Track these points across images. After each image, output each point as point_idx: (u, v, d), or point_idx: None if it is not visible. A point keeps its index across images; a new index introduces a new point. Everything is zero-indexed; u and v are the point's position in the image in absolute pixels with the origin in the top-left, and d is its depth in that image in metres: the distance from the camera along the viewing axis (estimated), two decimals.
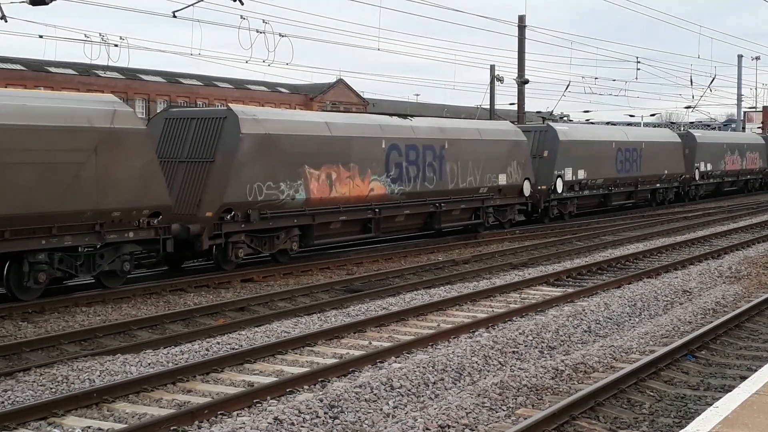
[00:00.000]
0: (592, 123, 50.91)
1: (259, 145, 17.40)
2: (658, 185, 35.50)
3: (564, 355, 10.41)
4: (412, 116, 23.30)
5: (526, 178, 25.58)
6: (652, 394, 9.01)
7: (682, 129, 50.59)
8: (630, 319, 13.04)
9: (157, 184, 15.28)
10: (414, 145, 21.61)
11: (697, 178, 39.41)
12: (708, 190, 41.91)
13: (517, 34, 37.27)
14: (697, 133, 42.08)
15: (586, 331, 12.04)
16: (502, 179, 24.55)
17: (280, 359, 10.49)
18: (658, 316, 13.18)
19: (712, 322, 12.09)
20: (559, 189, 28.12)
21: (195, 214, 16.49)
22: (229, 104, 18.90)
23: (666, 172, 35.76)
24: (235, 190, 16.84)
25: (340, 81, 75.25)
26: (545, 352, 10.90)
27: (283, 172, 17.85)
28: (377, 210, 20.31)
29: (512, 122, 30.51)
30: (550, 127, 29.11)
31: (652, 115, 74.81)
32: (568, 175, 28.68)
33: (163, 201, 15.37)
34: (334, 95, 74.11)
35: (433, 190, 22.07)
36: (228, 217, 16.76)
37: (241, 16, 24.25)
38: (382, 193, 20.42)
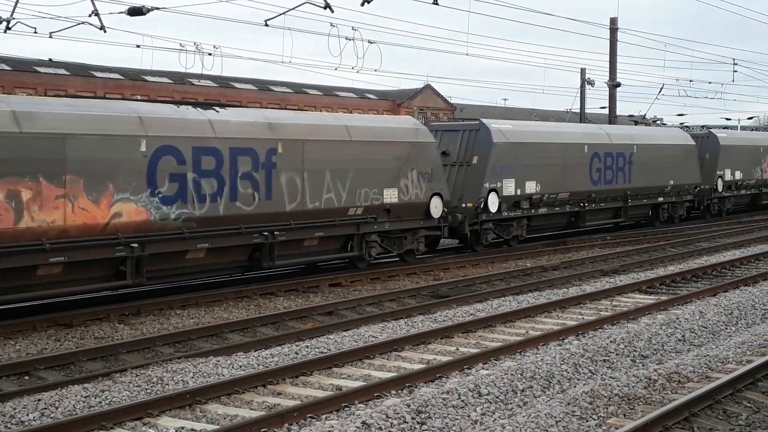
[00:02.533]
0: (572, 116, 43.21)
1: None
2: (660, 199, 28.38)
3: (657, 365, 10.18)
4: (222, 106, 16.44)
5: (435, 194, 19.37)
6: (749, 405, 8.73)
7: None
8: (726, 328, 12.66)
9: None
10: (214, 148, 15.10)
11: (720, 189, 32.41)
12: (738, 204, 34.75)
13: (608, 37, 36.63)
14: (721, 133, 34.70)
15: (680, 340, 11.74)
16: (391, 196, 18.31)
17: (367, 363, 10.54)
18: (756, 325, 12.76)
19: None
20: (493, 207, 21.41)
21: None
22: None
23: (672, 182, 28.64)
24: None
25: (428, 86, 75.23)
26: (637, 360, 10.67)
27: None
28: (134, 246, 13.86)
29: (438, 120, 25.60)
30: (483, 125, 21.98)
31: (750, 118, 72.64)
32: (509, 188, 21.94)
33: None
34: (422, 101, 74.24)
35: (254, 212, 15.69)
36: None
37: (331, 24, 24.49)
38: (140, 219, 14.03)
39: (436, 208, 19.42)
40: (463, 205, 21.03)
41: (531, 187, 22.61)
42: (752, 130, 61.48)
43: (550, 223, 24.33)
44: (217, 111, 15.68)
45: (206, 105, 16.18)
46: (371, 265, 18.32)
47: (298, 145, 16.60)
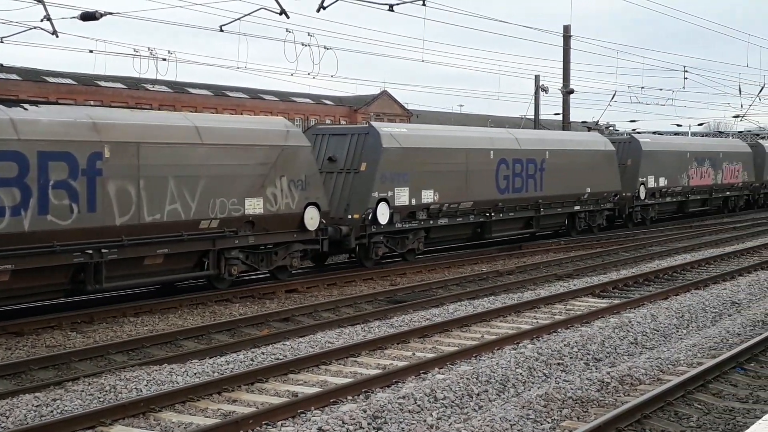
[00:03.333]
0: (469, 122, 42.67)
1: None
2: (576, 208, 26.50)
3: (610, 367, 10.31)
4: (36, 103, 14.50)
5: (310, 204, 17.56)
6: (699, 406, 8.88)
7: (749, 139, 48.17)
8: (677, 331, 12.86)
9: None
10: (16, 152, 13.02)
11: (642, 196, 30.71)
12: (664, 212, 33.42)
13: (562, 44, 37.06)
14: (643, 138, 33.26)
15: (632, 343, 11.90)
16: (255, 206, 16.41)
17: (324, 369, 10.53)
18: (706, 328, 12.98)
19: (761, 333, 11.87)
20: (383, 218, 19.42)
21: None
22: None
23: (589, 190, 26.71)
24: None
25: (385, 92, 75.49)
26: (591, 364, 10.79)
27: None
28: None
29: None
30: (372, 128, 20.13)
31: (700, 124, 73.86)
32: (402, 197, 20.03)
33: None
34: (379, 107, 74.41)
35: (72, 228, 13.61)
36: None
37: (287, 30, 24.45)
38: None
39: (312, 219, 17.47)
40: (350, 216, 19.09)
41: (428, 196, 20.70)
42: (704, 135, 61.70)
43: (452, 235, 22.53)
44: (26, 109, 13.60)
45: (11, 102, 14.06)
46: (234, 283, 16.62)
47: (132, 148, 14.48)
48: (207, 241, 15.71)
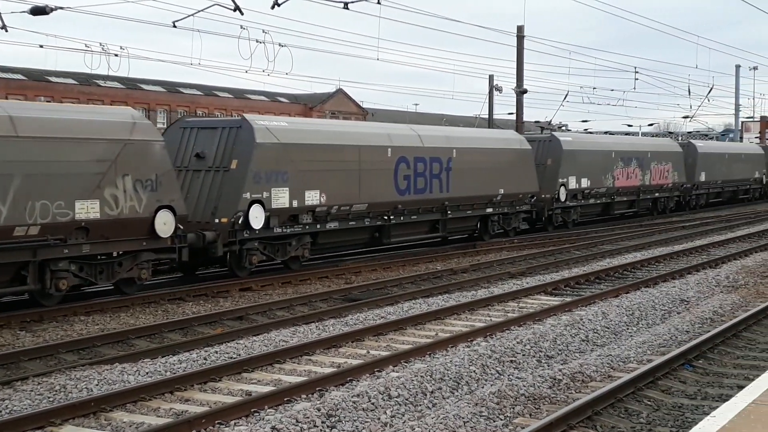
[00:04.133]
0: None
1: None
2: (489, 210, 24.64)
3: (562, 365, 10.42)
4: None
5: (163, 207, 15.39)
6: (649, 403, 9.02)
7: (680, 138, 48.59)
8: (628, 329, 13.05)
9: None
10: None
11: (563, 198, 28.93)
12: (587, 215, 32.10)
13: (515, 44, 37.35)
14: (564, 136, 31.16)
15: (583, 341, 12.05)
16: (89, 210, 14.24)
17: (278, 368, 10.49)
18: (656, 326, 13.19)
19: (709, 331, 12.09)
20: (257, 222, 17.22)
21: None
22: None
23: (502, 191, 24.73)
24: None
25: (340, 90, 75.43)
26: (543, 361, 10.90)
27: None
28: None
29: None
30: (245, 121, 17.85)
31: (650, 125, 75.03)
32: (281, 199, 17.83)
33: None
34: (334, 105, 74.30)
35: None
36: None
37: (241, 26, 24.31)
38: None
39: (165, 224, 15.28)
40: (217, 220, 16.87)
41: (313, 197, 18.48)
42: (655, 135, 61.68)
43: (345, 240, 20.65)
44: None
45: None
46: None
47: None
48: (25, 251, 13.41)
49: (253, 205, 17.22)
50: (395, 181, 21.07)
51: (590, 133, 53.83)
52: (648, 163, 34.77)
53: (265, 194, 17.50)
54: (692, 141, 42.91)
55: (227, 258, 17.33)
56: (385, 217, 20.82)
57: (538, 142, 29.46)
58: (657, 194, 35.92)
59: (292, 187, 18.10)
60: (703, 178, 40.28)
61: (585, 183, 30.36)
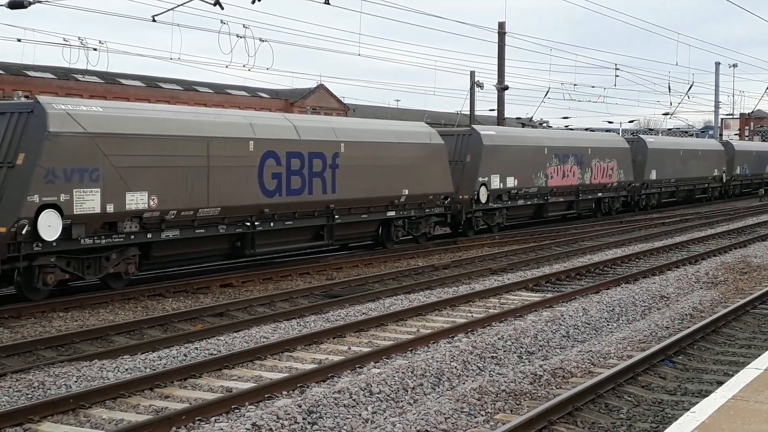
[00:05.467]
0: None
1: None
2: (391, 213, 21.60)
3: (543, 360, 10.45)
4: None
5: None
6: (629, 399, 9.05)
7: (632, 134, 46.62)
8: (608, 325, 13.10)
9: None
10: None
11: (483, 200, 25.61)
12: (516, 217, 28.78)
13: (497, 41, 37.41)
14: (486, 130, 27.44)
15: (564, 337, 12.08)
16: None
17: (258, 365, 10.46)
18: (636, 322, 13.25)
19: (689, 327, 12.17)
20: (50, 233, 13.96)
21: None
22: None
23: (406, 192, 21.72)
24: None
25: (321, 86, 75.25)
26: (524, 357, 10.93)
27: None
28: None
29: None
30: (39, 106, 14.32)
31: (631, 121, 75.40)
32: (89, 202, 14.57)
33: None
34: (315, 100, 74.13)
35: None
36: None
37: (222, 21, 24.23)
38: None
39: None
40: (6, 229, 13.67)
41: (139, 201, 15.25)
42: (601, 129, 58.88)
43: (192, 252, 17.04)
44: None
45: None
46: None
47: None
48: None
49: (45, 211, 13.85)
50: (260, 180, 17.67)
51: (614, 131, 52.43)
52: (588, 161, 31.76)
53: (63, 197, 14.13)
54: (642, 136, 39.68)
55: (14, 277, 14.20)
56: (248, 224, 17.47)
57: (456, 136, 26.21)
58: (600, 194, 32.93)
59: (106, 187, 14.76)
60: (653, 176, 37.50)
61: (511, 182, 27.04)
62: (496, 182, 26.33)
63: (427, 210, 22.86)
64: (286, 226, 18.51)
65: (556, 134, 34.65)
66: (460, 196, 24.80)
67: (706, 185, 43.75)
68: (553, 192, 29.51)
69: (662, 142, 40.55)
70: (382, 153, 21.22)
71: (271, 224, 18.06)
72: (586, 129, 49.48)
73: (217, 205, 16.72)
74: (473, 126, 27.82)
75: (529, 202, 28.43)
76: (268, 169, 17.91)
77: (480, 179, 25.59)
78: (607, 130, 61.85)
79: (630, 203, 36.17)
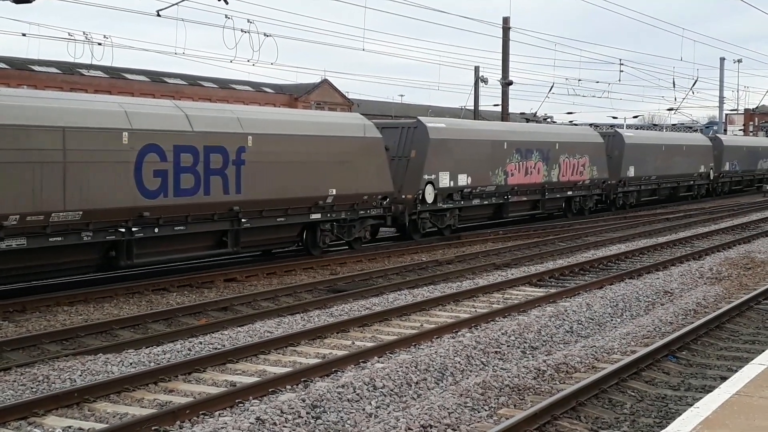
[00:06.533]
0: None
1: None
2: (316, 216, 18.85)
3: (546, 356, 10.45)
4: None
5: None
6: (633, 394, 9.06)
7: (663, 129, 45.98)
8: (612, 320, 13.10)
9: None
10: None
11: (429, 200, 22.94)
12: (470, 219, 25.97)
13: (501, 36, 37.36)
14: (434, 122, 24.51)
15: (568, 332, 12.09)
16: None
17: (262, 359, 10.47)
18: (640, 317, 13.24)
19: (693, 322, 12.16)
20: None
21: None
22: None
23: (334, 192, 19.04)
24: None
25: (325, 81, 75.21)
26: (527, 352, 10.93)
27: None
28: None
29: None
30: None
31: (635, 117, 75.29)
32: None
33: None
34: (319, 95, 74.11)
35: None
36: None
37: (226, 16, 24.23)
38: None
39: None
40: None
41: None
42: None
43: (47, 264, 14.45)
44: None
45: None
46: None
47: None
48: None
49: None
50: (138, 178, 15.16)
51: (622, 127, 47.96)
52: (556, 156, 29.18)
53: None
54: (618, 130, 37.06)
55: None
56: (122, 230, 14.99)
57: (400, 129, 23.51)
58: (570, 193, 30.44)
59: None
60: (631, 173, 34.94)
61: (464, 180, 24.33)
62: (445, 180, 23.69)
63: (361, 212, 20.26)
64: (176, 232, 15.89)
65: (519, 127, 31.15)
66: (403, 196, 22.43)
67: (692, 182, 41.41)
68: (514, 191, 26.95)
69: (641, 136, 38.51)
70: (303, 148, 18.50)
71: (156, 230, 15.56)
72: (590, 124, 49.13)
73: (78, 209, 14.06)
74: (419, 118, 24.75)
75: (486, 202, 25.85)
76: (149, 165, 15.31)
77: (426, 177, 23.01)
78: (611, 126, 61.74)
79: (606, 202, 33.79)
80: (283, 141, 18.12)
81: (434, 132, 23.56)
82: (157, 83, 66.55)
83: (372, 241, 21.87)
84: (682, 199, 40.67)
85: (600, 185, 32.38)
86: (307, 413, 8.00)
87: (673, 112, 59.81)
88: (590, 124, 51.05)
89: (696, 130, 62.26)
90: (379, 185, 20.62)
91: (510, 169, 26.70)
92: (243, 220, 17.13)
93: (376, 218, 20.98)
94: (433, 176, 23.18)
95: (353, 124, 20.66)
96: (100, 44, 30.19)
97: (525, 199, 27.79)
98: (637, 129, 51.47)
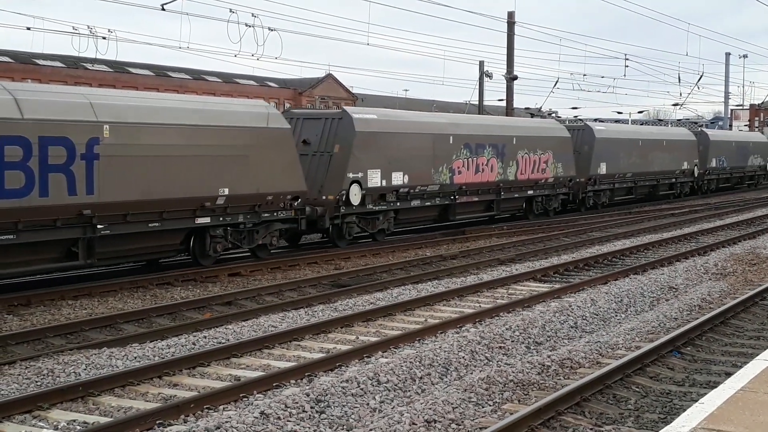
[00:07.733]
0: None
1: None
2: (204, 220, 16.24)
3: (550, 351, 10.44)
4: None
5: None
6: (637, 390, 9.05)
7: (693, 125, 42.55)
8: (616, 315, 13.08)
9: None
10: None
11: (356, 202, 20.13)
12: (412, 221, 23.44)
13: (506, 31, 37.30)
14: (362, 114, 21.39)
15: (572, 327, 12.07)
16: None
17: (267, 353, 10.48)
18: (644, 313, 13.22)
19: (697, 318, 12.14)
20: None
21: None
22: None
23: (226, 192, 16.50)
24: None
25: (329, 75, 75.20)
26: (532, 347, 10.92)
27: None
28: None
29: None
30: None
31: (640, 112, 75.14)
32: None
33: None
34: (324, 90, 74.09)
35: None
36: None
37: (230, 10, 24.21)
38: None
39: None
40: None
41: None
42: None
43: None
44: None
45: None
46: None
47: None
48: None
49: None
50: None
51: (608, 122, 44.20)
52: (513, 152, 26.35)
53: None
54: (589, 123, 33.87)
55: None
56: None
57: (324, 120, 20.70)
58: (531, 192, 27.75)
59: None
60: (603, 170, 32.22)
61: (399, 179, 21.53)
62: (375, 179, 20.76)
63: (265, 215, 17.54)
64: (8, 242, 13.20)
65: (467, 120, 27.39)
66: (324, 197, 19.66)
67: (674, 180, 38.45)
68: (462, 191, 24.07)
69: (614, 130, 35.63)
70: (182, 140, 15.84)
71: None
72: (596, 120, 48.76)
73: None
74: (345, 108, 22.11)
75: (428, 203, 22.92)
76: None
77: (350, 175, 20.08)
78: (617, 121, 61.57)
79: (574, 202, 31.15)
80: (153, 131, 15.32)
81: (361, 124, 20.56)
82: (161, 77, 66.59)
83: (291, 248, 20.07)
84: (663, 198, 38.07)
85: (566, 184, 29.60)
86: (311, 408, 8.00)
87: (678, 107, 59.69)
88: (595, 119, 50.78)
89: (701, 126, 62.03)
90: (287, 184, 17.93)
91: (457, 166, 23.81)
92: (99, 226, 14.39)
93: (285, 222, 18.31)
94: (359, 174, 20.33)
95: (252, 112, 17.67)
96: (104, 38, 30.17)
97: (476, 199, 25.01)
98: (616, 123, 48.26)
